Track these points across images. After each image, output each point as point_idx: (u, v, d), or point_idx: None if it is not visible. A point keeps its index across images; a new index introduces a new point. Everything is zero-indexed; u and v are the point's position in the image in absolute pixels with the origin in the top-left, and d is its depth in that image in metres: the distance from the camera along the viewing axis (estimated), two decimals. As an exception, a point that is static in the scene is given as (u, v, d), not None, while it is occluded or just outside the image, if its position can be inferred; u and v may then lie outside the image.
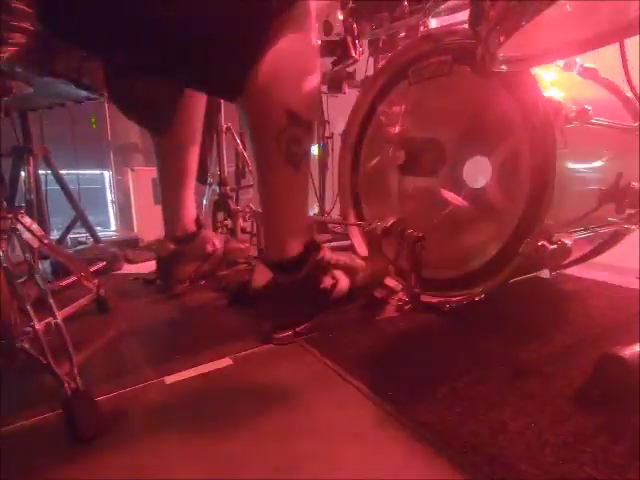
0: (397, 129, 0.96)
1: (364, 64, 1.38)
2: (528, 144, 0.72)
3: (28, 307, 0.51)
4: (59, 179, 1.52)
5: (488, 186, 0.81)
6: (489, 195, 0.81)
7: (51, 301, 0.51)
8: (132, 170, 2.44)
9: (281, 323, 0.72)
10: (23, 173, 1.27)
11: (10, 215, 0.57)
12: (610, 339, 0.65)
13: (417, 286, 0.81)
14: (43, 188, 1.37)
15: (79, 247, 1.49)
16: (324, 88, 1.55)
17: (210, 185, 1.52)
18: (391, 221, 0.83)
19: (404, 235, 0.83)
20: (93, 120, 2.41)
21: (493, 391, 0.52)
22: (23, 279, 0.71)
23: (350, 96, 1.44)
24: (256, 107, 0.63)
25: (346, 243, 1.23)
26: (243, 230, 1.41)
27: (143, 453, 0.45)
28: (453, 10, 1.07)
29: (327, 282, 0.72)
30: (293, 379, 0.59)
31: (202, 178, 1.45)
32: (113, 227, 2.57)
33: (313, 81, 0.64)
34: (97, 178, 2.55)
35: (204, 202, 1.55)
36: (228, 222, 1.41)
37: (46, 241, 0.72)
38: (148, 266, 1.25)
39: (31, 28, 0.45)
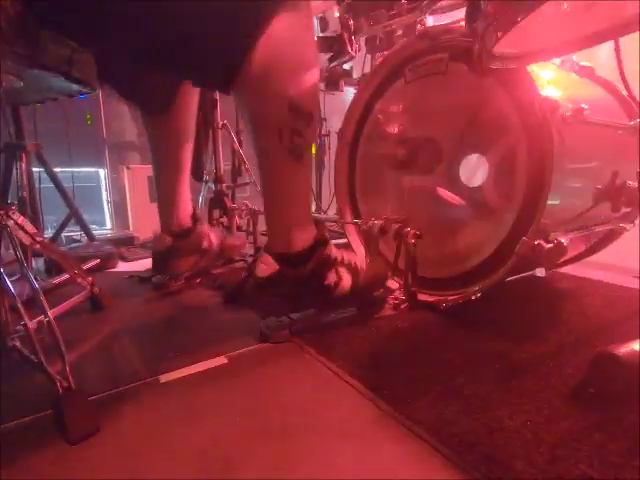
0: (394, 127, 0.96)
1: (361, 62, 1.37)
2: (525, 142, 0.72)
3: (19, 305, 0.50)
4: (53, 176, 1.51)
5: (484, 185, 0.81)
6: (485, 194, 0.81)
7: (43, 299, 0.50)
8: (128, 168, 2.42)
9: (276, 321, 0.72)
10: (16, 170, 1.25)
11: (1, 212, 0.56)
12: (605, 337, 0.66)
13: (414, 285, 0.81)
14: (37, 185, 1.36)
15: (73, 245, 1.48)
16: (321, 86, 1.55)
17: (206, 182, 1.51)
18: (388, 219, 0.83)
19: (401, 233, 0.83)
20: (88, 117, 2.39)
21: (489, 389, 0.52)
22: (15, 277, 0.70)
23: (347, 94, 1.44)
24: (255, 99, 0.62)
25: (342, 241, 1.23)
26: (239, 228, 1.40)
27: (137, 453, 0.44)
28: (450, 8, 1.07)
29: (331, 278, 0.71)
30: (289, 378, 0.59)
31: (198, 175, 1.44)
32: (109, 225, 2.55)
33: (312, 69, 0.62)
34: (92, 176, 2.53)
35: (200, 200, 1.54)
36: (224, 220, 1.40)
37: (39, 239, 0.71)
38: (143, 264, 1.24)
39: (14, 14, 0.44)
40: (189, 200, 1.02)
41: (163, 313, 0.88)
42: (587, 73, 0.85)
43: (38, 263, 1.15)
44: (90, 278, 0.86)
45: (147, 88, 0.84)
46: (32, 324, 0.49)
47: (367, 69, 1.32)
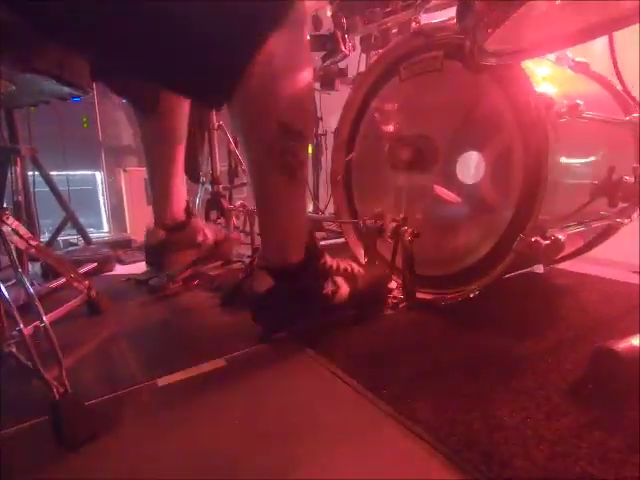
0: (390, 126, 0.95)
1: (356, 61, 1.37)
2: (520, 139, 0.72)
3: (15, 311, 0.49)
4: (48, 180, 1.50)
5: (481, 182, 0.81)
6: (482, 191, 0.81)
7: (38, 304, 0.50)
8: (124, 171, 2.41)
9: (276, 323, 0.72)
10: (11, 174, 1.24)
11: (-6, 216, 0.55)
12: (604, 333, 0.66)
13: (412, 283, 0.81)
14: (32, 189, 1.35)
15: (70, 248, 1.47)
16: (316, 85, 1.54)
17: (202, 184, 1.51)
18: (385, 218, 0.83)
19: (398, 232, 0.83)
20: (84, 119, 2.38)
21: (488, 387, 0.52)
22: (11, 282, 0.69)
23: (342, 93, 1.43)
24: (247, 117, 0.62)
25: (340, 241, 1.22)
26: (236, 229, 1.40)
27: (135, 458, 0.44)
28: (445, 6, 1.06)
29: (328, 288, 0.71)
30: (288, 379, 0.59)
31: (194, 177, 1.44)
32: (106, 228, 2.54)
33: (305, 90, 0.63)
34: (89, 179, 2.52)
35: (197, 201, 1.54)
36: (221, 221, 1.40)
37: (34, 243, 0.71)
38: (140, 267, 1.24)
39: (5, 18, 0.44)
40: (183, 194, 1.01)
41: (160, 316, 0.88)
42: (582, 69, 0.85)
43: (35, 267, 1.15)
44: (87, 282, 0.85)
45: (138, 85, 0.84)
46: (27, 329, 0.48)
47: (362, 68, 1.32)
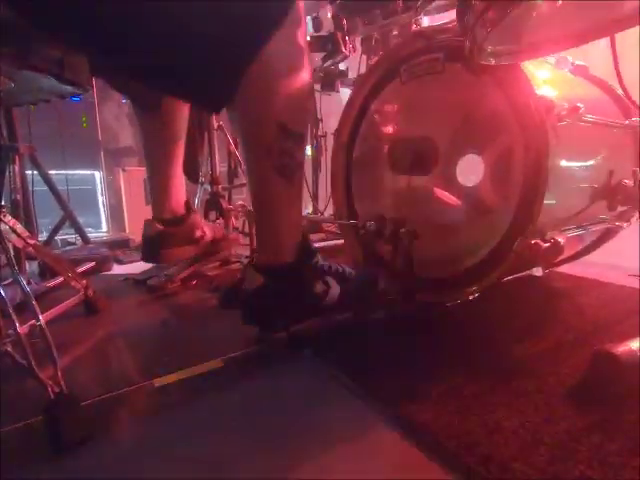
0: (390, 127, 0.95)
1: (357, 62, 1.37)
2: (521, 142, 0.71)
3: (10, 310, 0.49)
4: (47, 179, 1.49)
5: (481, 184, 0.81)
6: (482, 194, 0.80)
7: (34, 303, 0.49)
8: (123, 170, 2.41)
9: (273, 323, 0.71)
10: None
11: (-9, 214, 0.55)
12: (603, 336, 0.65)
13: (411, 285, 0.81)
14: (30, 188, 1.34)
15: (68, 248, 1.47)
16: (317, 86, 1.55)
17: (202, 184, 1.51)
18: (384, 220, 0.83)
19: (397, 234, 0.83)
20: (84, 119, 2.38)
21: (487, 390, 0.52)
22: (8, 281, 0.69)
23: (343, 95, 1.43)
24: (247, 118, 0.62)
25: (339, 242, 1.22)
26: (235, 229, 1.40)
27: (131, 459, 0.44)
28: (445, 8, 1.07)
29: (319, 288, 0.71)
30: (286, 381, 0.58)
31: (194, 177, 1.44)
32: (104, 228, 2.54)
33: (304, 91, 0.63)
34: (88, 179, 2.52)
35: (196, 202, 1.54)
36: (220, 221, 1.39)
37: (31, 242, 0.70)
38: (138, 266, 1.23)
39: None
40: (182, 189, 1.01)
41: (158, 316, 0.88)
42: (582, 72, 0.86)
43: (32, 266, 1.14)
44: (84, 281, 0.85)
45: (136, 84, 0.84)
46: (23, 329, 0.48)
47: (363, 70, 1.32)
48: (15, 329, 0.47)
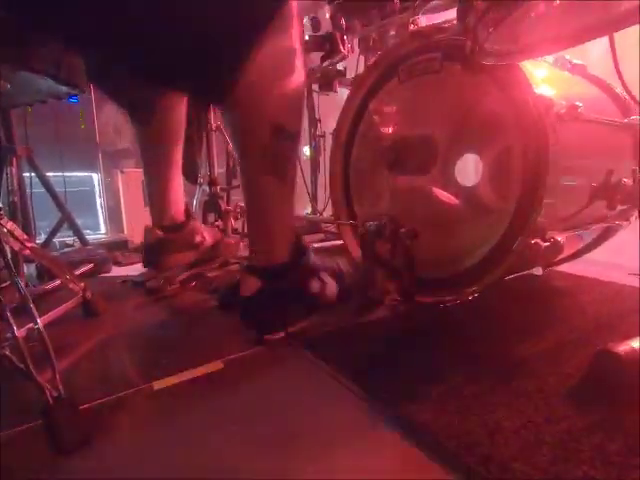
0: (388, 127, 0.95)
1: (355, 62, 1.37)
2: (520, 141, 0.71)
3: (8, 313, 0.49)
4: (44, 181, 1.49)
5: (480, 184, 0.80)
6: (481, 193, 0.80)
7: (32, 306, 0.49)
8: (122, 172, 2.40)
9: (276, 327, 0.71)
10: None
11: (-12, 217, 0.55)
12: (604, 335, 0.65)
13: (410, 286, 0.81)
14: (28, 190, 1.34)
15: (66, 250, 1.46)
16: (315, 87, 1.54)
17: (200, 185, 1.50)
18: (383, 220, 0.83)
19: (397, 234, 0.82)
20: (82, 120, 2.37)
21: (487, 390, 0.52)
22: (5, 284, 0.69)
23: (341, 95, 1.43)
24: (241, 118, 0.63)
25: (338, 243, 1.22)
26: (234, 230, 1.39)
27: (130, 463, 0.43)
28: (443, 7, 1.06)
29: (315, 286, 0.71)
30: (286, 382, 0.58)
31: (192, 178, 1.43)
32: (103, 230, 2.53)
33: (297, 91, 0.63)
34: (86, 180, 2.51)
35: (194, 203, 1.53)
36: (219, 223, 1.39)
37: (29, 244, 0.70)
38: (137, 268, 1.23)
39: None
40: (181, 195, 1.01)
41: (157, 318, 0.87)
42: (580, 71, 0.86)
43: (30, 269, 1.14)
44: (82, 283, 0.84)
45: (133, 89, 0.84)
46: (20, 332, 0.47)
47: (361, 69, 1.32)
48: (13, 332, 0.47)
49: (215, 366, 0.62)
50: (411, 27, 1.03)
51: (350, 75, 1.43)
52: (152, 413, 0.52)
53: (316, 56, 1.28)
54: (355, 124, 1.02)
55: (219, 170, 1.50)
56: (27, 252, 0.70)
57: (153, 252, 0.97)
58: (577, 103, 0.66)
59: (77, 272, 1.03)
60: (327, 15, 1.18)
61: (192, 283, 1.05)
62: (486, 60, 0.52)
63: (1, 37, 0.46)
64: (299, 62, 0.63)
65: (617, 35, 0.59)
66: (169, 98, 0.89)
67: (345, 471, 0.41)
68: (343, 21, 1.14)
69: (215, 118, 1.42)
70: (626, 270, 1.00)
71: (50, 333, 0.49)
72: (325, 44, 1.18)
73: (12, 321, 0.47)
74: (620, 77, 0.62)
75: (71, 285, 0.82)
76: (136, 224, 2.27)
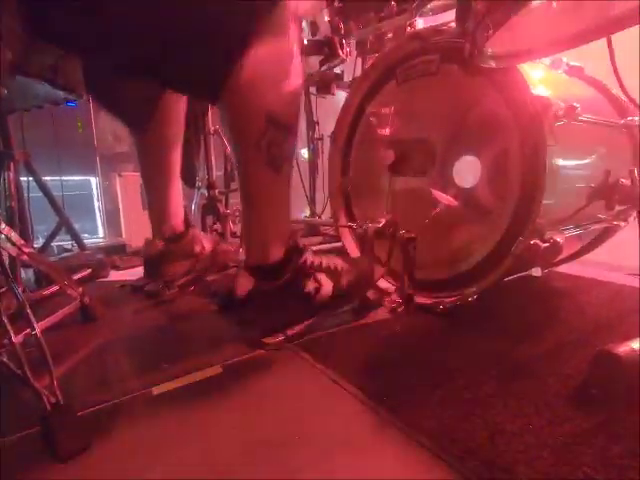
0: (386, 129, 0.95)
1: (352, 65, 1.37)
2: (518, 141, 0.72)
3: (5, 319, 0.48)
4: (42, 185, 1.48)
5: (478, 186, 0.81)
6: (480, 194, 0.80)
7: (29, 312, 0.49)
8: (120, 176, 2.40)
9: (271, 328, 0.71)
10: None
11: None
12: (603, 336, 0.65)
13: (410, 287, 0.81)
14: (25, 195, 1.33)
15: (64, 254, 1.45)
16: (313, 90, 1.55)
17: (198, 189, 1.50)
18: (382, 222, 0.83)
19: (396, 236, 0.82)
20: (79, 124, 2.37)
21: (489, 392, 0.52)
22: (2, 289, 0.68)
23: (339, 97, 1.43)
24: (235, 110, 0.62)
25: (338, 245, 1.22)
26: (233, 234, 1.39)
27: (129, 469, 0.43)
28: (440, 9, 1.07)
29: (310, 286, 0.71)
30: (286, 386, 0.58)
31: (190, 182, 1.43)
32: (101, 234, 2.52)
33: (293, 84, 0.64)
34: (84, 184, 2.50)
35: (193, 206, 1.53)
36: (218, 226, 1.39)
37: (26, 249, 0.69)
38: (136, 272, 1.22)
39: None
40: (181, 204, 1.01)
41: (156, 322, 0.87)
42: (577, 73, 0.86)
43: (28, 274, 1.13)
44: (80, 288, 0.84)
45: (128, 101, 0.84)
46: (18, 338, 0.47)
47: (358, 72, 1.32)
48: (10, 338, 0.46)
49: (214, 371, 0.62)
50: (408, 30, 1.03)
51: (348, 78, 1.43)
52: (151, 418, 0.52)
53: (315, 60, 1.29)
54: (353, 127, 1.02)
55: (217, 173, 1.49)
56: (24, 257, 0.69)
57: (154, 264, 0.98)
58: (574, 104, 0.66)
59: (75, 277, 1.02)
60: (326, 18, 1.18)
61: (191, 287, 1.05)
62: (485, 63, 0.52)
63: (-2, 42, 0.46)
64: (297, 57, 0.63)
65: (615, 37, 0.59)
66: (165, 109, 0.89)
67: (345, 475, 0.41)
68: (342, 24, 1.14)
69: (213, 122, 1.42)
70: (625, 270, 1.00)
71: (48, 339, 0.49)
72: (324, 48, 1.18)
73: (9, 327, 0.46)
74: (618, 79, 0.62)
75: (69, 290, 0.82)
76: (134, 228, 2.27)
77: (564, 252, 0.72)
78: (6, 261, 0.61)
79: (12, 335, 0.46)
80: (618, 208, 0.75)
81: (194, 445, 0.46)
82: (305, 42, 1.18)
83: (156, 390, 0.57)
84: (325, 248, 1.42)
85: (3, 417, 0.51)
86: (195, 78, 0.60)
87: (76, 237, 1.57)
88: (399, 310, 0.81)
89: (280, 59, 0.61)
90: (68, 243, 1.67)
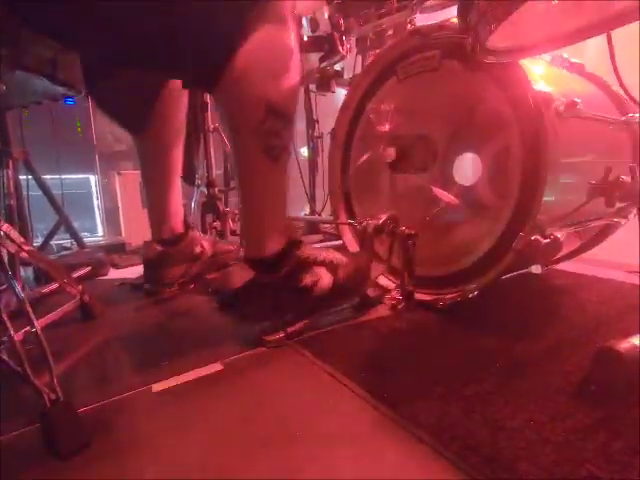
0: (387, 126, 0.95)
1: (352, 62, 1.37)
2: (519, 138, 0.71)
3: (5, 316, 0.48)
4: (41, 184, 1.48)
5: (479, 183, 0.80)
6: (481, 190, 0.80)
7: (29, 309, 0.48)
8: (119, 174, 2.39)
9: (271, 325, 0.71)
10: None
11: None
12: (605, 333, 0.65)
13: (410, 284, 0.81)
14: (24, 193, 1.33)
15: (63, 253, 1.45)
16: (313, 87, 1.54)
17: (198, 187, 1.50)
18: (383, 219, 0.83)
19: (396, 233, 0.82)
20: (78, 123, 2.36)
21: (490, 389, 0.51)
22: (2, 287, 0.68)
23: (339, 95, 1.43)
24: (233, 99, 0.62)
25: (338, 243, 1.22)
26: (233, 232, 1.39)
27: (130, 466, 0.43)
28: (440, 6, 1.07)
29: (308, 280, 0.70)
30: (286, 383, 0.58)
31: (190, 180, 1.43)
32: (100, 232, 2.52)
33: (291, 73, 0.63)
34: (83, 182, 2.50)
35: (192, 204, 1.53)
36: (217, 224, 1.38)
37: (26, 247, 0.69)
38: (135, 271, 1.22)
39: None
40: (180, 206, 1.01)
41: (155, 320, 0.87)
42: (577, 69, 0.86)
43: (27, 272, 1.13)
44: (80, 286, 0.84)
45: (127, 102, 0.84)
46: (18, 335, 0.47)
47: (358, 69, 1.32)
48: (10, 335, 0.46)
49: (214, 368, 0.62)
50: (409, 27, 1.03)
51: (347, 75, 1.43)
52: (151, 416, 0.52)
53: (315, 58, 1.28)
54: (353, 124, 1.02)
55: (217, 172, 1.49)
56: (24, 255, 0.69)
57: (153, 267, 0.97)
58: (576, 99, 0.66)
59: (74, 275, 1.02)
60: (325, 15, 1.18)
61: (191, 285, 1.05)
62: (487, 58, 0.52)
63: (-3, 37, 0.46)
64: (296, 48, 0.63)
65: (615, 33, 0.59)
66: (164, 109, 0.89)
67: (346, 471, 0.41)
68: (342, 21, 1.14)
69: (212, 119, 1.42)
70: (626, 268, 1.00)
71: (48, 336, 0.49)
72: (324, 45, 1.17)
73: (9, 324, 0.46)
74: (617, 75, 0.62)
75: (68, 288, 0.82)
76: (134, 226, 2.26)
77: (564, 249, 0.72)
78: (5, 259, 0.61)
79: (12, 332, 0.46)
80: (618, 205, 0.75)
81: (194, 442, 0.46)
82: (305, 39, 1.18)
83: (156, 387, 0.57)
84: (325, 246, 1.42)
85: (3, 414, 0.51)
86: (193, 65, 0.59)
87: (75, 235, 1.57)
88: (399, 307, 0.81)
89: (279, 48, 0.61)
90: (67, 241, 1.67)
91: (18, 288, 0.51)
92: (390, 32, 1.18)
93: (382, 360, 0.62)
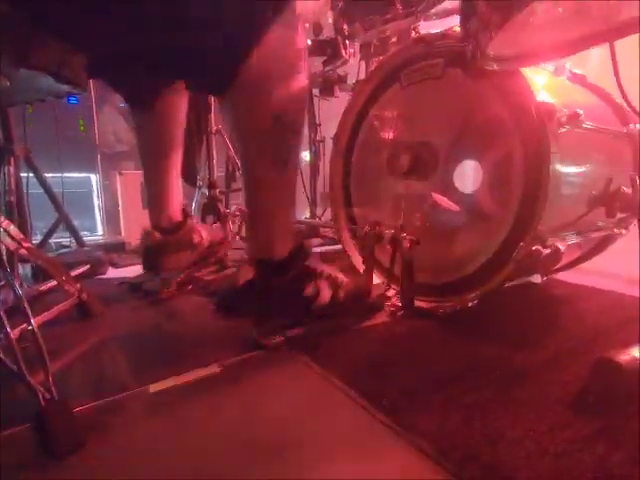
0: (389, 133, 0.95)
1: (356, 68, 1.38)
2: (521, 148, 0.72)
3: (1, 313, 0.48)
4: (42, 181, 1.48)
5: (479, 191, 0.81)
6: (482, 199, 0.80)
7: (26, 307, 0.48)
8: (120, 174, 2.39)
9: (270, 328, 0.70)
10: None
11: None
12: (604, 344, 0.65)
13: (410, 292, 0.80)
14: (25, 190, 1.33)
15: (62, 251, 1.45)
16: (316, 91, 1.55)
17: (199, 188, 1.50)
18: (383, 225, 0.82)
19: (396, 239, 0.82)
20: (81, 122, 2.37)
21: (489, 398, 0.51)
22: (0, 284, 0.67)
23: (342, 100, 1.44)
24: (242, 108, 0.63)
25: (337, 247, 1.21)
26: (233, 234, 1.38)
27: (125, 468, 0.42)
28: (445, 14, 1.07)
29: (309, 290, 0.71)
30: (284, 387, 0.57)
31: (191, 181, 1.43)
32: (100, 231, 2.51)
33: (300, 83, 0.64)
34: (84, 181, 2.50)
35: (193, 205, 1.53)
36: (217, 225, 1.38)
37: (25, 244, 0.69)
38: (134, 270, 1.22)
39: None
40: (180, 195, 1.01)
41: (154, 320, 0.86)
42: (579, 80, 0.86)
43: (25, 269, 1.12)
44: (78, 284, 0.83)
45: (134, 79, 0.83)
46: (14, 332, 0.46)
47: (362, 75, 1.32)
48: (6, 333, 0.46)
49: (212, 370, 0.61)
50: (412, 34, 1.04)
51: (351, 81, 1.44)
52: (148, 416, 0.51)
53: (318, 62, 1.29)
54: (356, 129, 1.02)
55: (218, 173, 1.49)
56: (23, 252, 0.69)
57: (152, 255, 0.97)
58: (578, 110, 0.66)
59: (73, 273, 1.02)
60: (329, 20, 1.18)
61: (189, 286, 1.04)
62: (488, 65, 0.52)
63: (2, 34, 0.46)
64: (303, 55, 0.64)
65: (618, 44, 0.59)
66: (169, 90, 0.88)
67: (344, 478, 0.40)
68: (345, 26, 1.15)
69: (215, 121, 1.42)
70: (625, 279, 1.00)
71: (44, 334, 0.48)
72: (327, 49, 1.18)
73: (6, 321, 0.46)
74: (619, 86, 0.62)
75: (67, 286, 0.81)
76: (134, 226, 2.26)
77: (564, 259, 0.72)
78: (4, 255, 0.60)
79: (8, 329, 0.45)
80: (619, 216, 0.75)
81: (191, 445, 0.45)
82: (308, 42, 1.18)
83: (153, 388, 0.56)
84: (324, 250, 1.42)
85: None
86: (202, 72, 0.60)
87: (75, 234, 1.57)
88: (399, 314, 0.80)
89: (287, 56, 0.61)
90: (66, 240, 1.67)
91: (16, 285, 0.51)
92: (394, 39, 1.19)
93: (382, 366, 0.61)
